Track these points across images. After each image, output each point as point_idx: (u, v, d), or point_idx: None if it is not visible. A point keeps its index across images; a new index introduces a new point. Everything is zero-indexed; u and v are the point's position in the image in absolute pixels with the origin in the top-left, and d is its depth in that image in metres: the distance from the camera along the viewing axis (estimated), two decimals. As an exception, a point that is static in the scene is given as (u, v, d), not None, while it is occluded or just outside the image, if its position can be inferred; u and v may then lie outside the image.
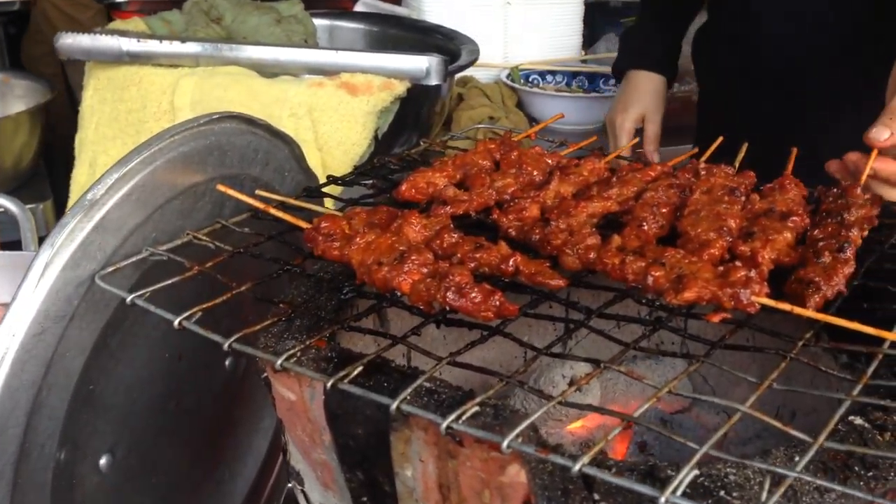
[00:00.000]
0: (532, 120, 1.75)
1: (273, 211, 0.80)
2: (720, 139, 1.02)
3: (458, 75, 1.71)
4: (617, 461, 0.61)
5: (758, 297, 0.66)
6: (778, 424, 0.55)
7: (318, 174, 1.43)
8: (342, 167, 1.44)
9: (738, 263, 0.70)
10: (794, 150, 0.96)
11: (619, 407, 0.98)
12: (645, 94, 1.52)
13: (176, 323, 0.66)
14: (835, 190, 0.81)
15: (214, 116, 0.82)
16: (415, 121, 1.55)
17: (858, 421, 0.66)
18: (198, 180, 0.82)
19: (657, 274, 0.68)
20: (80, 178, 1.51)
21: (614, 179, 0.87)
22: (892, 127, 0.94)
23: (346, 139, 1.43)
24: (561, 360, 0.96)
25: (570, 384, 0.92)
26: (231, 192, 0.82)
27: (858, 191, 0.80)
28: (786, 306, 0.66)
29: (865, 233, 0.75)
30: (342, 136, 1.43)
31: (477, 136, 1.54)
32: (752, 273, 0.68)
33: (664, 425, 0.95)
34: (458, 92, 1.79)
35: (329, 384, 0.58)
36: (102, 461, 0.82)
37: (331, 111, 1.42)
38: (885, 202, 0.83)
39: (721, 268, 0.68)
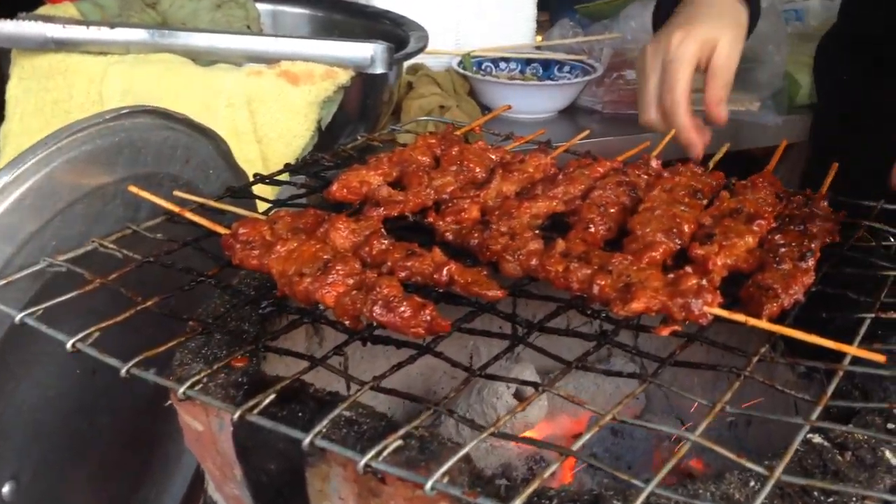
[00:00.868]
0: (485, 108, 1.69)
1: (188, 215, 0.73)
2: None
3: (407, 63, 1.64)
4: (558, 492, 0.56)
5: (710, 308, 0.61)
6: (732, 456, 0.50)
7: (258, 168, 1.36)
8: (283, 160, 1.37)
9: (688, 269, 0.65)
10: (784, 142, 0.90)
11: (567, 417, 0.93)
12: (722, 15, 1.00)
13: (69, 345, 0.59)
14: (801, 197, 0.76)
15: (124, 111, 0.75)
16: (361, 111, 1.48)
17: (817, 439, 0.62)
18: (106, 181, 0.75)
19: (603, 283, 0.63)
20: (4, 173, 1.42)
21: (561, 177, 0.82)
22: None
23: (288, 131, 1.36)
24: (505, 371, 0.91)
25: (516, 395, 0.87)
26: (143, 193, 0.75)
27: (825, 203, 0.75)
28: (740, 317, 0.61)
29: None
30: (283, 127, 1.36)
31: (428, 128, 1.47)
32: (704, 281, 0.63)
33: (615, 435, 0.90)
34: (407, 80, 1.72)
35: (236, 416, 0.51)
36: (5, 489, 0.75)
37: (270, 101, 1.34)
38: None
39: (671, 275, 0.63)
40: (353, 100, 1.41)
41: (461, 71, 1.72)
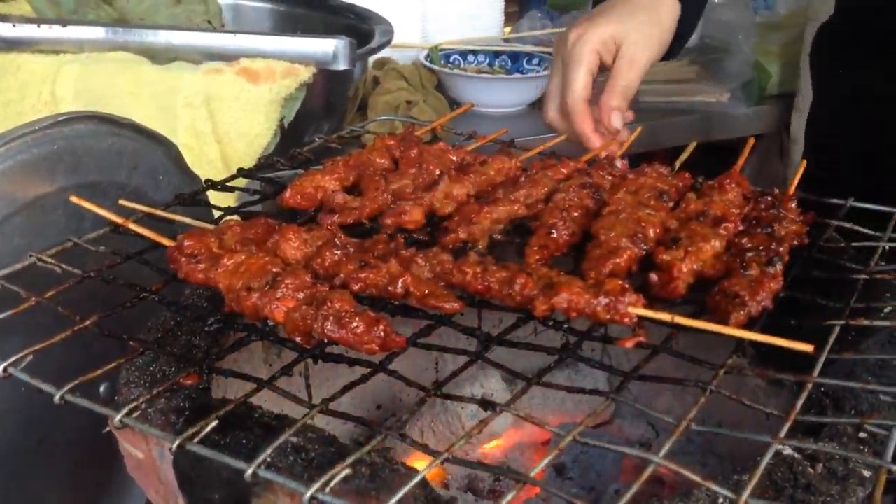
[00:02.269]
0: (453, 103, 1.66)
1: (132, 226, 0.70)
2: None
3: (374, 57, 1.61)
4: (519, 514, 0.53)
5: (634, 308, 0.58)
6: (697, 479, 0.47)
7: (219, 169, 1.32)
8: (245, 161, 1.33)
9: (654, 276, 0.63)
10: (751, 141, 0.87)
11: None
12: (634, 12, 0.90)
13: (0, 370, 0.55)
14: (768, 198, 0.74)
15: (62, 117, 0.71)
16: (325, 108, 1.45)
17: (788, 451, 0.60)
18: (45, 192, 0.71)
19: (524, 280, 0.60)
20: (-45, 178, 1.38)
21: (523, 179, 0.79)
22: None
23: (249, 130, 1.32)
24: (471, 379, 0.88)
25: (482, 405, 0.84)
26: (85, 203, 0.71)
27: (793, 204, 0.73)
28: (665, 316, 0.59)
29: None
30: (244, 127, 1.32)
31: (395, 126, 1.44)
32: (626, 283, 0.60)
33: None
34: (374, 75, 1.68)
35: (174, 445, 0.48)
36: (-55, 516, 0.71)
37: (230, 100, 1.30)
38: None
39: (592, 279, 0.61)
40: (317, 97, 1.37)
41: (428, 65, 1.68)
